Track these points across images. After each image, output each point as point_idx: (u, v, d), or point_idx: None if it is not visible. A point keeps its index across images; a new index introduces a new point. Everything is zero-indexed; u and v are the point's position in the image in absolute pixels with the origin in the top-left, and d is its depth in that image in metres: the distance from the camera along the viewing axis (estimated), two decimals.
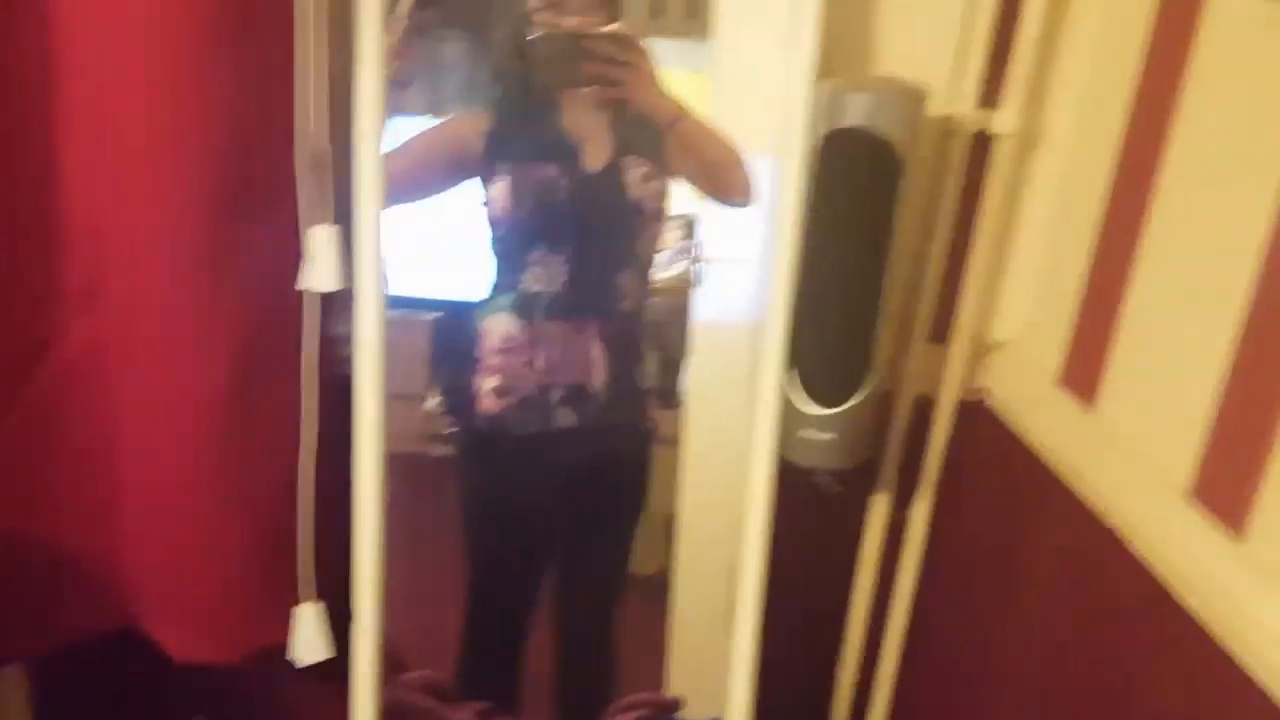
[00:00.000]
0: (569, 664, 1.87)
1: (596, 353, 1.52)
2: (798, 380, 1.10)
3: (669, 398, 1.68)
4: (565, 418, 1.56)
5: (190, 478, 1.06)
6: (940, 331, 1.22)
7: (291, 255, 1.02)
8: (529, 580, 1.81)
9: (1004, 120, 1.14)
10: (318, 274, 1.01)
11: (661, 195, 1.50)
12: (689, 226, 2.26)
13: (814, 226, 1.01)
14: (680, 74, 1.48)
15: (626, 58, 1.32)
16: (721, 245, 1.81)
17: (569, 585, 1.82)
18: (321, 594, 1.15)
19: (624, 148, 1.49)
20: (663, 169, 1.49)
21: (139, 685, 1.38)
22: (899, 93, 1.03)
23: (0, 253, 1.00)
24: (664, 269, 1.74)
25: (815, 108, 0.97)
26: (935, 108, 1.11)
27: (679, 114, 1.40)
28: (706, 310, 1.81)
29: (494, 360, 1.56)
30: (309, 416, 1.06)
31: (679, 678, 1.84)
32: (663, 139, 1.43)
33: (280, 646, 1.16)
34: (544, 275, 1.52)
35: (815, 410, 1.10)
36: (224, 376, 1.02)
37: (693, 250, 1.81)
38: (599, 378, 1.52)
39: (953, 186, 1.17)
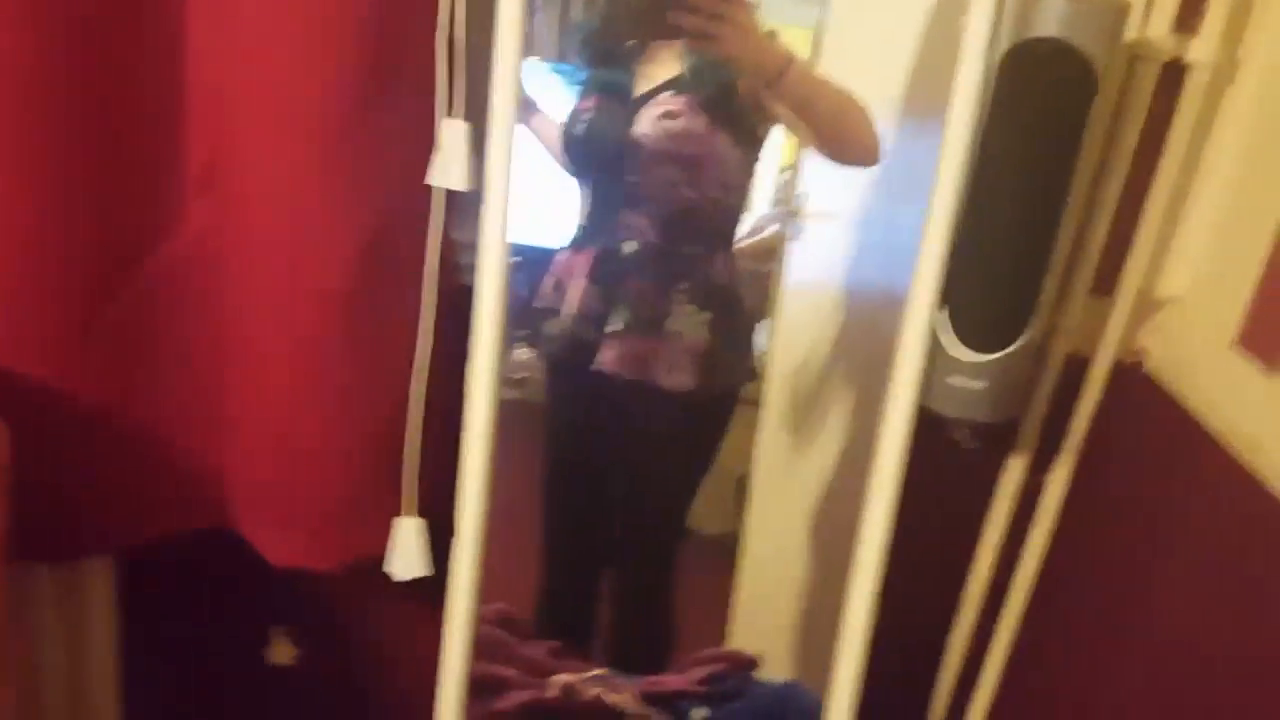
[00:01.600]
0: (623, 614, 1.86)
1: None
2: (949, 321, 1.02)
3: (732, 370, 1.61)
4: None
5: (303, 379, 1.02)
6: (1104, 283, 1.13)
7: (423, 152, 0.97)
8: (597, 521, 1.79)
9: (1201, 48, 1.03)
10: (448, 170, 0.96)
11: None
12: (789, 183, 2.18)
13: (987, 151, 0.92)
14: (791, 29, 1.39)
15: (721, 8, 1.22)
16: (814, 200, 1.73)
17: (626, 532, 1.79)
18: (424, 511, 1.12)
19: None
20: (711, 112, 1.40)
21: (224, 588, 1.38)
22: (1098, 2, 0.92)
23: (121, 120, 0.96)
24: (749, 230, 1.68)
25: (1000, 16, 0.88)
26: (1127, 28, 1.01)
27: (784, 65, 1.30)
28: (796, 270, 1.74)
29: (548, 295, 1.52)
30: (426, 325, 1.01)
31: (741, 640, 1.80)
32: (757, 91, 1.34)
33: (374, 561, 1.13)
34: (579, 208, 1.48)
35: (966, 355, 1.01)
36: (346, 274, 0.98)
37: (785, 205, 1.74)
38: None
39: (1136, 120, 1.06)
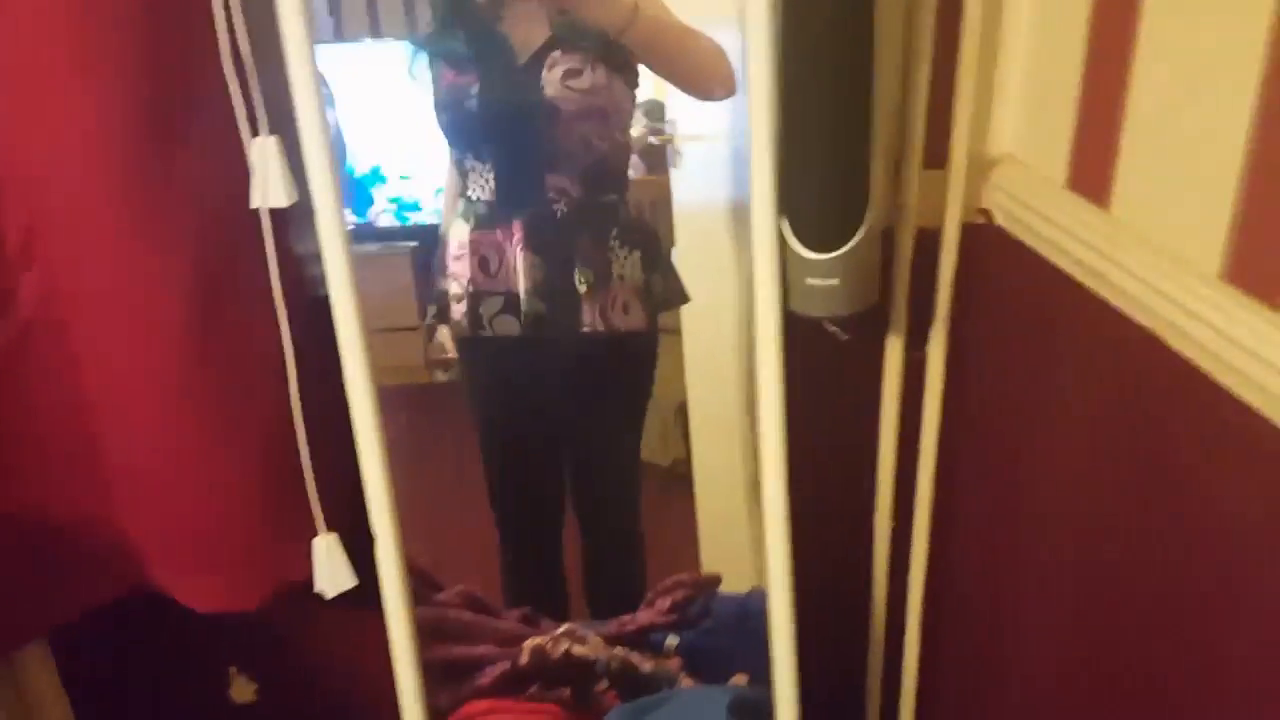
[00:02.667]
0: (592, 561, 1.89)
1: (523, 260, 1.47)
2: (790, 228, 1.04)
3: (667, 298, 1.63)
4: (504, 325, 1.52)
5: (168, 421, 1.01)
6: (935, 157, 1.15)
7: (240, 175, 0.96)
8: (545, 480, 1.81)
9: None
10: (267, 189, 0.95)
11: (591, 91, 1.40)
12: (658, 111, 2.19)
13: (788, 61, 0.93)
14: None
15: None
16: (693, 125, 1.74)
17: (582, 482, 1.82)
18: (340, 525, 1.12)
19: (553, 43, 1.41)
20: (602, 62, 1.40)
21: (169, 645, 1.37)
22: None
23: None
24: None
25: None
26: None
27: (630, 17, 1.30)
28: (687, 195, 1.75)
29: (453, 266, 1.53)
30: (286, 342, 1.01)
31: (711, 560, 1.85)
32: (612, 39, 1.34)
33: (306, 584, 1.13)
34: (477, 181, 1.47)
35: (813, 256, 1.04)
36: (184, 307, 0.97)
37: (663, 134, 1.74)
38: (525, 285, 1.47)
39: None
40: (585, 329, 1.50)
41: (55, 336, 1.00)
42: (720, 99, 1.40)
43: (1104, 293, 0.96)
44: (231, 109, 0.92)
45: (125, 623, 1.24)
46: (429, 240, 1.79)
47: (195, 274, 0.96)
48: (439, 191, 1.67)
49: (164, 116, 0.92)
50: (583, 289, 1.48)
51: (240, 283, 0.99)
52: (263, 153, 0.93)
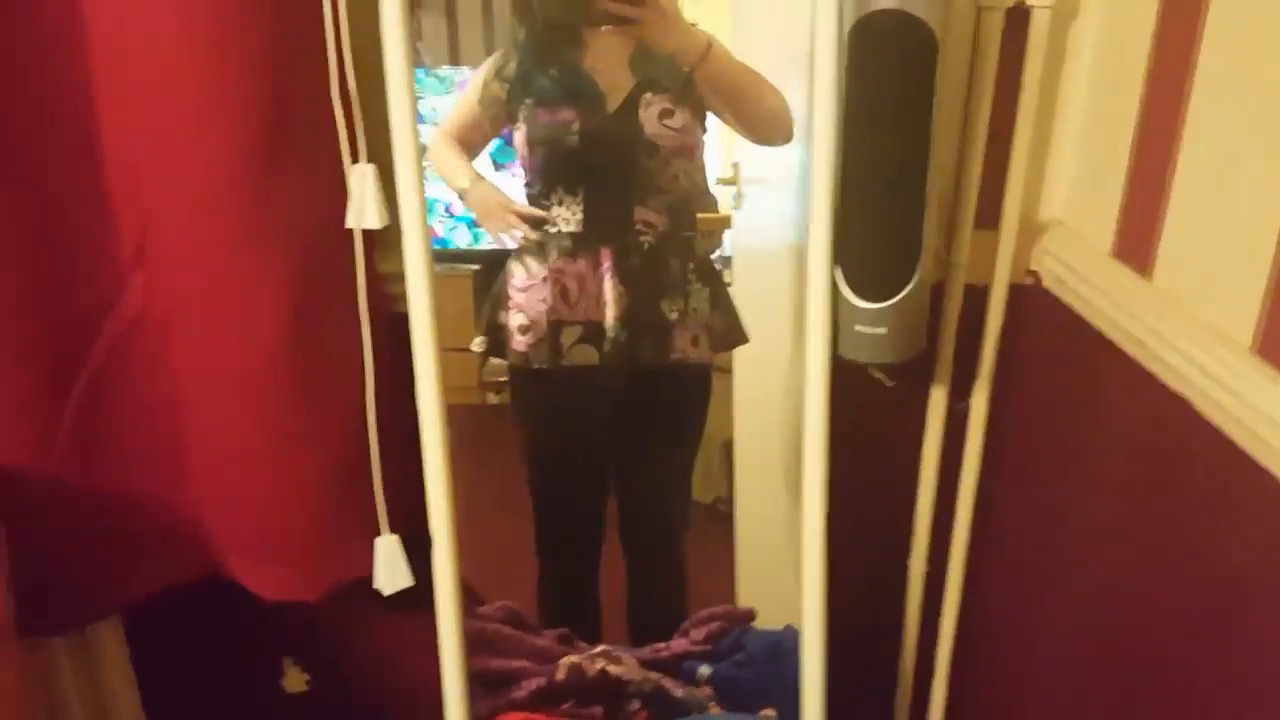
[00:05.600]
0: (639, 591, 1.91)
1: (611, 289, 1.52)
2: (844, 277, 1.10)
3: (729, 336, 1.67)
4: (583, 354, 1.57)
5: (256, 423, 1.09)
6: (987, 217, 1.21)
7: (337, 196, 1.03)
8: (590, 511, 1.84)
9: None
10: (361, 212, 1.02)
11: (683, 130, 1.48)
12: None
13: (852, 118, 1.00)
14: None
15: None
16: (760, 168, 1.80)
17: (632, 514, 1.84)
18: (400, 528, 1.19)
19: (644, 85, 1.48)
20: (686, 104, 1.47)
21: (230, 630, 1.44)
22: None
23: (58, 219, 1.03)
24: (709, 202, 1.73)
25: None
26: None
27: (704, 51, 1.38)
28: (747, 237, 1.80)
29: (518, 298, 1.58)
30: (368, 354, 1.08)
31: (747, 597, 1.87)
32: (690, 76, 1.41)
33: (364, 583, 1.20)
34: (563, 216, 1.53)
35: (865, 305, 1.09)
36: (277, 315, 1.05)
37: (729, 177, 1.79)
38: (613, 314, 1.52)
39: (990, 65, 1.14)
40: (675, 356, 1.55)
41: (158, 333, 1.08)
42: (777, 143, 1.47)
43: (1141, 358, 1.00)
44: (335, 136, 1.00)
45: (192, 608, 1.32)
46: (490, 264, 1.83)
47: (290, 285, 1.04)
48: None
49: (275, 141, 1.00)
50: (673, 317, 1.54)
51: (329, 296, 1.06)
52: (361, 178, 1.01)
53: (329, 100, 0.99)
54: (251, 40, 0.96)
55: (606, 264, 1.52)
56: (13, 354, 1.04)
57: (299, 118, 1.00)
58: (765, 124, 1.46)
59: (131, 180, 1.03)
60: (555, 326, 1.56)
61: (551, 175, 1.53)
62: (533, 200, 1.58)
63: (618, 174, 1.50)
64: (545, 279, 1.55)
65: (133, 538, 1.17)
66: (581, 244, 1.53)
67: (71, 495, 1.10)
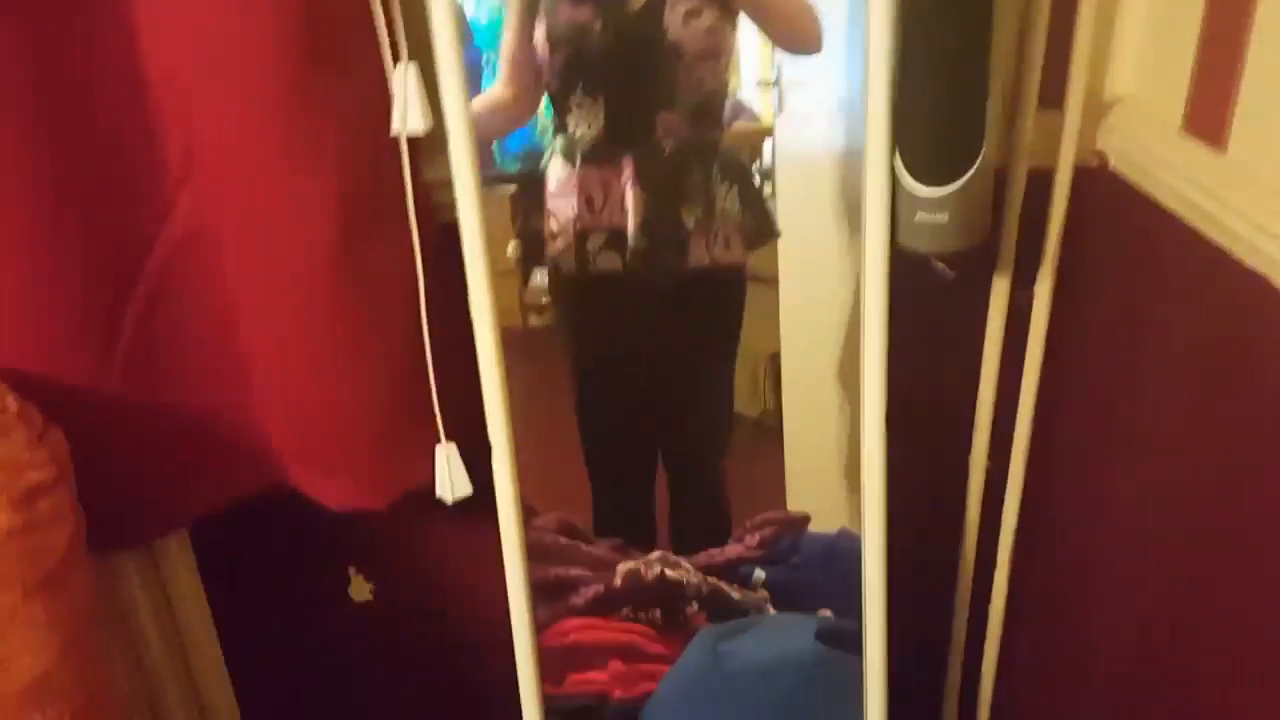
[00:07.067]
0: (678, 506, 1.92)
1: (633, 197, 1.50)
2: (903, 163, 1.06)
3: (759, 233, 1.65)
4: (608, 260, 1.55)
5: (310, 333, 1.09)
6: (1052, 96, 1.16)
7: (379, 100, 1.02)
8: (638, 419, 1.84)
9: None
10: (406, 115, 1.00)
11: (709, 34, 1.43)
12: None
13: None
14: None
15: None
16: (804, 69, 1.75)
17: (669, 427, 1.85)
18: (456, 438, 1.19)
19: None
20: (714, 3, 1.43)
21: (295, 540, 1.47)
22: None
23: (106, 137, 1.02)
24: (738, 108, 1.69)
25: None
26: None
27: None
28: (790, 141, 1.76)
29: (551, 204, 1.56)
30: (417, 263, 1.07)
31: (797, 503, 1.87)
32: None
33: (424, 494, 1.21)
34: (584, 118, 1.50)
35: (924, 191, 1.06)
36: (328, 226, 1.04)
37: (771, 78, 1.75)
38: (635, 222, 1.50)
39: None
40: (691, 264, 1.53)
41: (209, 247, 1.08)
42: (806, 54, 1.44)
43: (1214, 235, 0.97)
44: (375, 36, 0.97)
45: (257, 519, 1.34)
46: (526, 184, 1.81)
47: (339, 194, 1.03)
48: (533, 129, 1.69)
49: (314, 42, 0.98)
50: (690, 224, 1.51)
51: (376, 204, 1.05)
52: (404, 79, 0.98)
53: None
54: None
55: (628, 171, 1.50)
56: (69, 271, 1.04)
57: (338, 18, 0.98)
58: (797, 33, 1.43)
59: (175, 94, 1.02)
60: (582, 234, 1.55)
61: (570, 76, 1.50)
62: (550, 98, 1.55)
63: (639, 78, 1.47)
64: (574, 184, 1.53)
65: (196, 451, 1.18)
66: (603, 149, 1.51)
67: (134, 410, 1.11)
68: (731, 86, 1.64)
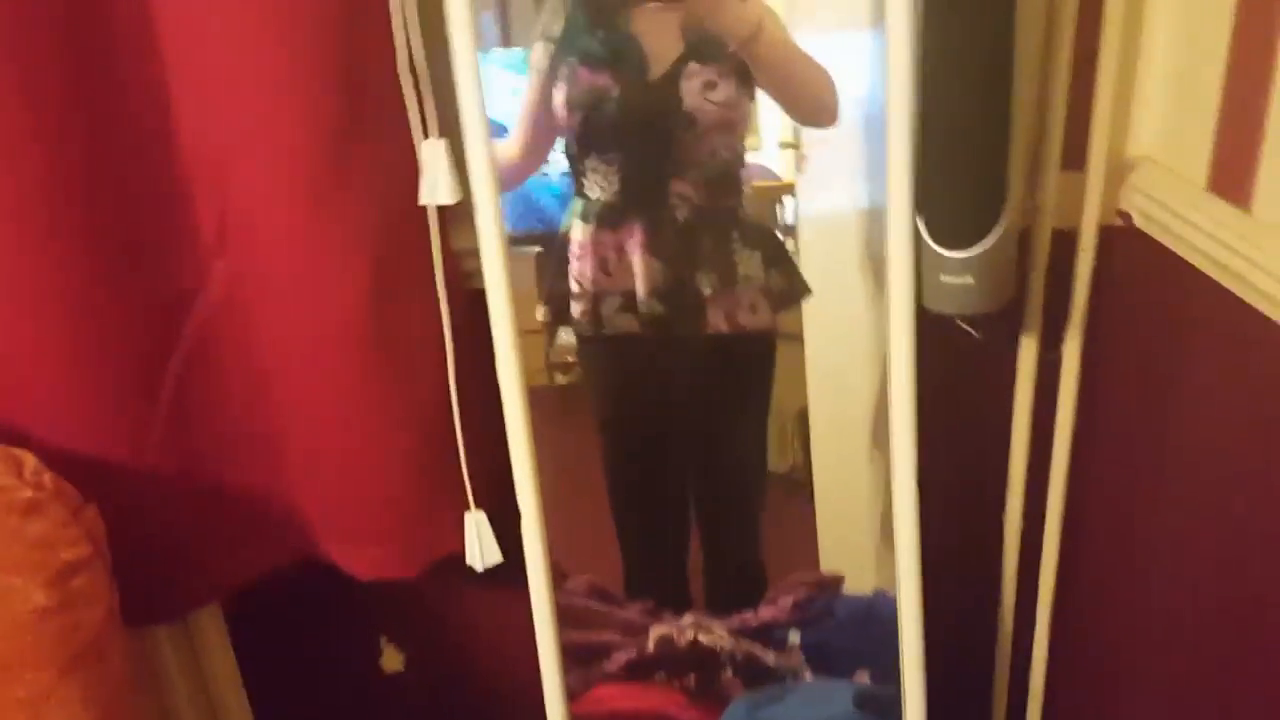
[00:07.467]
0: (713, 567, 1.91)
1: (640, 263, 1.51)
2: (926, 225, 1.07)
3: (789, 293, 1.66)
4: (625, 323, 1.56)
5: (340, 403, 1.10)
6: (1073, 157, 1.16)
7: (409, 174, 1.04)
8: (667, 480, 1.84)
9: None
10: (435, 187, 1.02)
11: (725, 105, 1.45)
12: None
13: (929, 56, 0.96)
14: None
15: None
16: (822, 131, 1.77)
17: (703, 489, 1.84)
18: (485, 505, 1.19)
19: (690, 54, 1.46)
20: (733, 75, 1.45)
21: (327, 612, 1.47)
22: None
23: (141, 212, 1.05)
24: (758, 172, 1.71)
25: None
26: None
27: (755, 29, 1.36)
28: (812, 201, 1.78)
29: (572, 265, 1.57)
30: (447, 332, 1.08)
31: (830, 563, 1.85)
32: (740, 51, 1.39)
33: (453, 562, 1.21)
34: (599, 182, 1.52)
35: (950, 254, 1.06)
36: (360, 298, 1.06)
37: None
38: (644, 287, 1.51)
39: None
40: (710, 329, 1.54)
41: (242, 319, 1.10)
42: (821, 126, 1.46)
43: (1243, 294, 0.96)
44: (405, 113, 1.00)
45: (289, 590, 1.34)
46: (550, 245, 1.83)
47: (370, 264, 1.05)
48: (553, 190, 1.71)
49: (348, 121, 1.00)
50: (708, 292, 1.52)
51: (406, 274, 1.07)
52: (433, 153, 1.01)
53: (397, 77, 0.99)
54: (323, 20, 0.97)
55: (637, 237, 1.51)
56: (104, 346, 1.06)
57: (370, 97, 1.01)
58: (812, 106, 1.45)
59: (210, 168, 1.05)
60: (597, 296, 1.56)
61: (587, 141, 1.52)
62: (568, 160, 1.57)
63: (653, 145, 1.49)
64: (588, 247, 1.55)
65: (230, 525, 1.20)
66: (617, 213, 1.52)
67: (168, 484, 1.13)
68: (750, 150, 1.66)
